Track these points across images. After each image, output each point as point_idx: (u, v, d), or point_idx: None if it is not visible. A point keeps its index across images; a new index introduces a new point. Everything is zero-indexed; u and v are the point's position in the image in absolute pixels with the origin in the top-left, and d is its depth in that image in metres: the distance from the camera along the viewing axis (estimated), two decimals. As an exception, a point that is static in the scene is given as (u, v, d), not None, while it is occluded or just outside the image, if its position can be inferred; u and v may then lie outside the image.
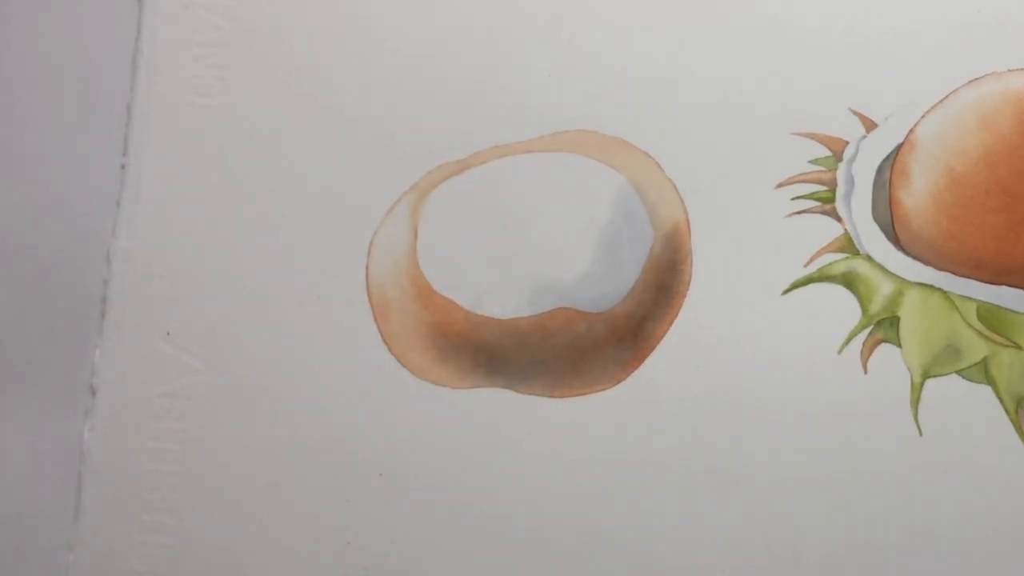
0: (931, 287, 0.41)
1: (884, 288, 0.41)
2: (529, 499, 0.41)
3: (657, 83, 0.43)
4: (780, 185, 0.42)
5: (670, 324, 0.42)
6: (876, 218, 0.42)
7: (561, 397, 0.42)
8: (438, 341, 0.43)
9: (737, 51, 0.43)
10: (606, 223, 0.43)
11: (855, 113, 0.42)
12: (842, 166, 0.42)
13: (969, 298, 0.40)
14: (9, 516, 0.44)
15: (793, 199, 0.42)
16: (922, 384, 0.40)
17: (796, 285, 0.41)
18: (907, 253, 0.41)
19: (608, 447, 0.41)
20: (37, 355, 0.45)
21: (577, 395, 0.42)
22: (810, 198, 0.42)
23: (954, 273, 0.41)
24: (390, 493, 0.42)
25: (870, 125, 0.42)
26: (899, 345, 0.40)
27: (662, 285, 0.42)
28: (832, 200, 0.42)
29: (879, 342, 0.40)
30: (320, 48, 0.45)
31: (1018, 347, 0.40)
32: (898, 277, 0.41)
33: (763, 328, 0.41)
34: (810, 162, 0.42)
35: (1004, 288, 0.40)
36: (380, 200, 0.44)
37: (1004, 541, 0.39)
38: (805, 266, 0.41)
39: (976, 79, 0.42)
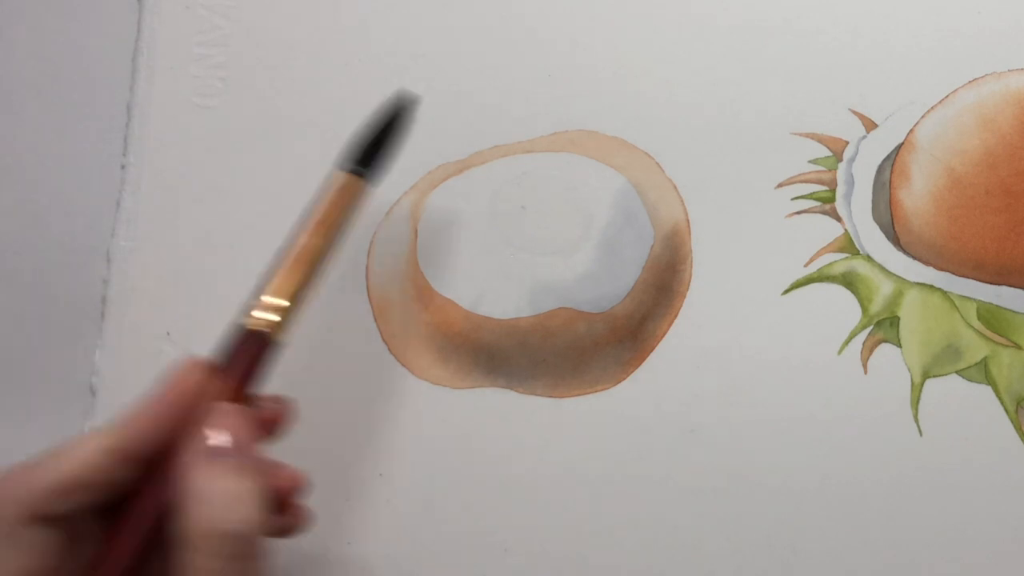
0: (931, 287, 0.41)
1: (884, 288, 0.41)
2: (529, 499, 0.41)
3: (657, 83, 0.43)
4: (780, 185, 0.42)
5: (670, 324, 0.42)
6: (876, 218, 0.42)
7: (561, 397, 0.42)
8: (438, 341, 0.43)
9: (737, 52, 0.43)
10: (606, 223, 0.43)
11: (855, 113, 0.42)
12: (842, 166, 0.42)
13: (969, 298, 0.40)
14: (9, 516, 0.44)
15: (793, 199, 0.42)
16: (922, 384, 0.40)
17: (796, 285, 0.41)
18: (907, 253, 0.41)
19: (608, 447, 0.41)
20: (37, 355, 0.45)
21: (577, 395, 0.42)
22: (810, 198, 0.42)
23: (954, 273, 0.41)
24: (390, 493, 0.42)
25: (870, 125, 0.42)
26: (899, 345, 0.40)
27: (662, 285, 0.42)
28: (832, 200, 0.42)
29: (879, 342, 0.40)
30: (320, 48, 0.45)
31: (1018, 347, 0.40)
32: (898, 277, 0.41)
33: (763, 328, 0.41)
34: (810, 162, 0.42)
35: (1004, 288, 0.40)
36: (380, 200, 0.44)
37: (1004, 541, 0.39)
38: (805, 266, 0.41)
39: (976, 79, 0.42)
